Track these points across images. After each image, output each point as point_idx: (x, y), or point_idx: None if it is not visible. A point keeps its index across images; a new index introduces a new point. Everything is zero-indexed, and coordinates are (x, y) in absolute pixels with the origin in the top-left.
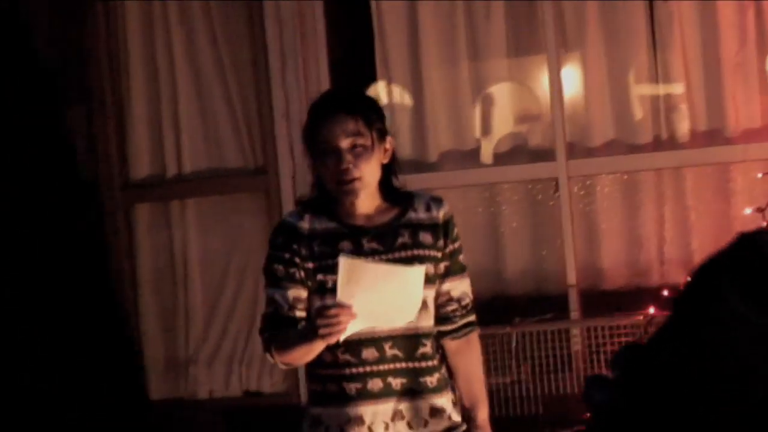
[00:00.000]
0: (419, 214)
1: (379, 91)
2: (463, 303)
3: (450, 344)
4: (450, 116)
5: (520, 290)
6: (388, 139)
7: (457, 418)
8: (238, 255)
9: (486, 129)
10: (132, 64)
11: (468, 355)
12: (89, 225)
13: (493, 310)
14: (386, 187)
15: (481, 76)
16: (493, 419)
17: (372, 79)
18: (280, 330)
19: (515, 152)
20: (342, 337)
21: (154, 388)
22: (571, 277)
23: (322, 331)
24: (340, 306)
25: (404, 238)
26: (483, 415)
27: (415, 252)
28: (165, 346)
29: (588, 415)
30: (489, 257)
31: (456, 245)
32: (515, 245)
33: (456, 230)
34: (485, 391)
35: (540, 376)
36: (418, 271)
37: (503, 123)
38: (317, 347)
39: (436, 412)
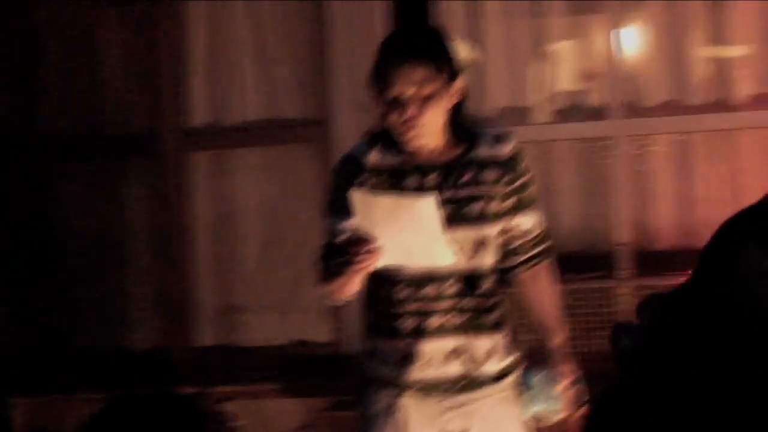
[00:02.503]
0: (485, 150)
1: (464, 45)
2: (533, 235)
3: (520, 276)
4: (507, 72)
5: (572, 248)
6: (459, 79)
7: (513, 358)
8: (293, 204)
9: (543, 86)
10: (192, 12)
11: (538, 285)
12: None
13: None
14: (454, 124)
15: (540, 32)
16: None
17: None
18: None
19: (571, 110)
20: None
21: (206, 334)
22: (622, 236)
23: (352, 260)
24: (358, 240)
25: (468, 176)
26: (554, 342)
27: (479, 190)
28: (218, 293)
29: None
30: (543, 214)
31: (525, 178)
32: (568, 203)
33: (525, 163)
34: (559, 319)
35: (588, 333)
36: (428, 202)
37: (560, 80)
38: (353, 276)
39: (494, 350)
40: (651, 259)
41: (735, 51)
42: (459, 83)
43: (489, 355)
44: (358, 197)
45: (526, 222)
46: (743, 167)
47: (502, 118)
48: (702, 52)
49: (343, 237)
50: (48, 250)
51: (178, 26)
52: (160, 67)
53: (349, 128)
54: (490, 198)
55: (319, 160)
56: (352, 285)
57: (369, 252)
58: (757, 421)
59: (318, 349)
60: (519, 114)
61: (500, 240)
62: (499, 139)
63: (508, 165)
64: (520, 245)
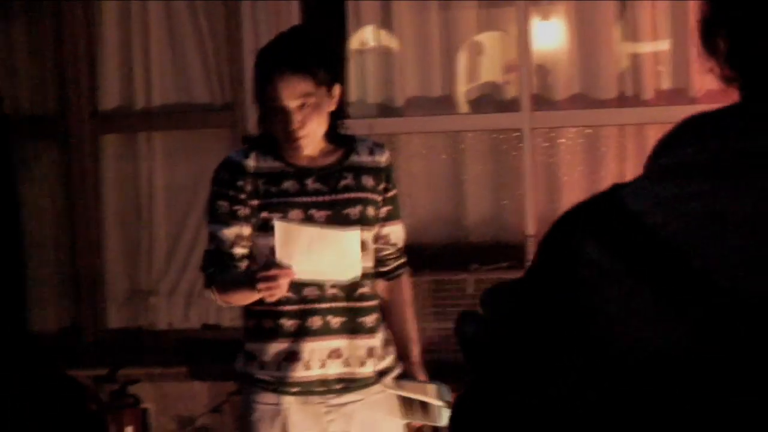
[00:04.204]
0: (362, 157)
1: (350, 32)
2: (398, 246)
3: (384, 285)
4: (418, 62)
5: (479, 238)
6: (337, 86)
7: (390, 359)
8: (203, 190)
9: (453, 77)
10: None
11: (400, 295)
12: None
13: (451, 256)
14: (331, 130)
15: (451, 24)
16: (442, 364)
17: (342, 18)
18: (222, 267)
19: (481, 101)
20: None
21: (114, 317)
22: (530, 227)
23: (262, 291)
24: (280, 267)
25: (348, 180)
26: (416, 352)
27: (358, 194)
28: (127, 276)
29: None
30: (450, 204)
31: (395, 191)
32: (476, 193)
33: (395, 175)
34: (416, 331)
35: None
36: (354, 235)
37: (471, 72)
38: (255, 297)
39: (373, 351)
40: None
41: (643, 46)
42: (337, 89)
43: (367, 356)
44: (280, 227)
45: (394, 233)
46: None
47: (411, 107)
48: (611, 46)
49: (239, 261)
50: None
51: (90, 15)
52: (73, 52)
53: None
54: (368, 202)
55: (228, 146)
56: (252, 299)
57: (285, 279)
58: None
59: (225, 333)
60: (429, 104)
61: (374, 246)
62: (376, 147)
63: (384, 174)
64: (386, 255)
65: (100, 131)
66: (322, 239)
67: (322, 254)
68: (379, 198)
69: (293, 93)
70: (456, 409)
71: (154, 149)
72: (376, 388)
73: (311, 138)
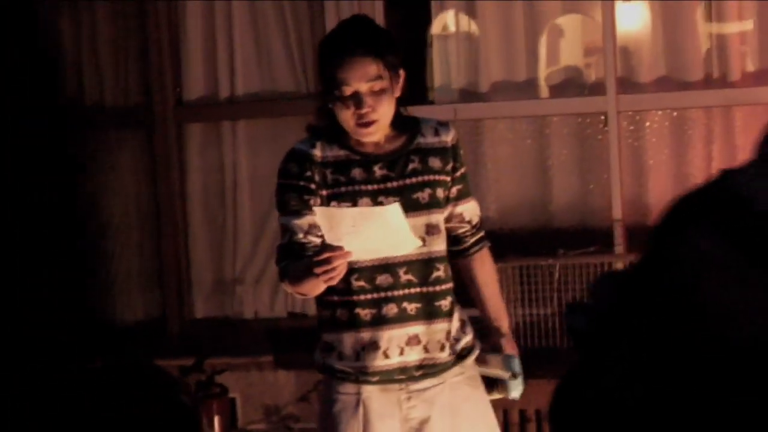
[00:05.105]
0: (428, 138)
1: (433, 18)
2: (474, 222)
3: (466, 262)
4: (503, 46)
5: (566, 223)
6: (401, 72)
7: (468, 339)
8: None
9: (538, 61)
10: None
11: (484, 270)
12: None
13: (538, 241)
14: (396, 116)
15: (535, 7)
16: (533, 349)
17: (426, 7)
18: (295, 258)
19: (566, 85)
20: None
21: (200, 306)
22: (617, 212)
23: (320, 276)
24: (332, 249)
25: (415, 164)
26: (506, 324)
27: (426, 177)
28: (213, 266)
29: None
30: (536, 189)
31: (465, 169)
32: (563, 178)
33: (463, 153)
34: (503, 302)
35: None
36: (394, 208)
37: (556, 56)
38: (320, 284)
39: (451, 335)
40: (646, 235)
41: (729, 27)
42: (403, 74)
43: (445, 340)
44: (321, 212)
45: (468, 210)
46: (738, 144)
47: (496, 92)
48: (697, 28)
49: (311, 250)
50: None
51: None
52: (158, 42)
53: None
54: (437, 184)
55: None
56: (319, 289)
57: (336, 266)
58: (707, 408)
59: (312, 321)
60: (514, 88)
61: (446, 227)
62: (441, 127)
63: (451, 153)
64: (462, 233)
65: (184, 120)
66: (365, 218)
67: (370, 232)
68: (448, 178)
69: (364, 76)
70: (556, 395)
71: (239, 138)
72: (456, 370)
73: (381, 124)
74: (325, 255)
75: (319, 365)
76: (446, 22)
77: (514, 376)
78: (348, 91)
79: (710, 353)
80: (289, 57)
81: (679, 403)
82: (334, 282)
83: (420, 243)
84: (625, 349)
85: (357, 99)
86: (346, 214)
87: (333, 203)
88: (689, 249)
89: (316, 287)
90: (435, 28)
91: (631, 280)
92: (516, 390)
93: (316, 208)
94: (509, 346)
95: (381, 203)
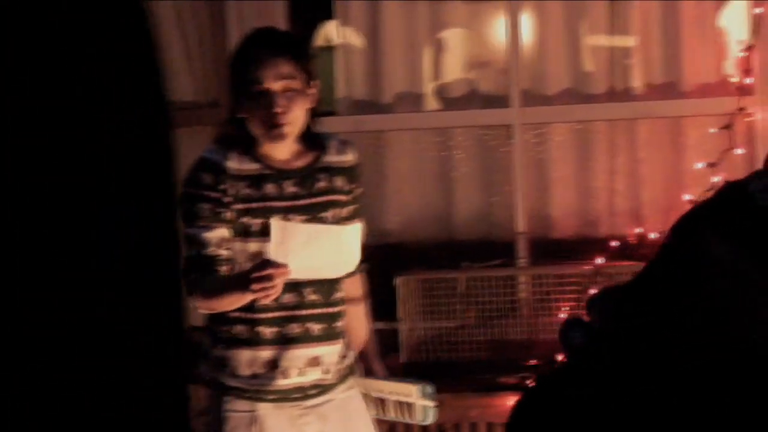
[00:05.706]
0: (332, 157)
1: (334, 29)
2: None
3: (345, 282)
4: (405, 58)
5: (469, 236)
6: (316, 83)
7: (352, 356)
8: None
9: (441, 73)
10: None
11: (358, 292)
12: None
13: (442, 254)
14: (306, 130)
15: (438, 19)
16: (437, 363)
17: (328, 17)
18: (204, 272)
19: (469, 97)
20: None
21: None
22: (521, 225)
23: (256, 292)
24: (276, 266)
25: (321, 183)
26: (374, 348)
27: (332, 197)
28: None
29: (563, 356)
30: (439, 202)
31: (361, 190)
32: (467, 190)
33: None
34: (370, 325)
35: (486, 321)
36: (355, 229)
37: (459, 68)
38: (246, 299)
39: (344, 355)
40: (549, 248)
41: (633, 40)
42: (315, 87)
43: (339, 359)
44: (276, 225)
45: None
46: (641, 157)
47: (398, 104)
48: (600, 41)
49: (223, 264)
50: None
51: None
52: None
53: None
54: (340, 204)
55: None
56: (241, 303)
57: (281, 279)
58: (719, 422)
59: None
60: (416, 100)
61: None
62: (343, 146)
63: (352, 173)
64: None
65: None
66: (321, 235)
67: (320, 251)
68: (348, 198)
69: (278, 74)
70: (525, 398)
71: None
72: (345, 385)
73: (293, 126)
74: (268, 271)
75: (207, 381)
76: (350, 33)
77: (434, 403)
78: (261, 89)
79: (731, 358)
80: (191, 66)
81: (680, 404)
82: (268, 300)
83: (353, 268)
84: (616, 360)
85: (269, 98)
86: (302, 229)
87: (244, 218)
88: (714, 259)
89: (239, 302)
90: (339, 39)
91: (638, 296)
92: (431, 417)
93: (272, 220)
94: (380, 369)
95: (290, 220)
